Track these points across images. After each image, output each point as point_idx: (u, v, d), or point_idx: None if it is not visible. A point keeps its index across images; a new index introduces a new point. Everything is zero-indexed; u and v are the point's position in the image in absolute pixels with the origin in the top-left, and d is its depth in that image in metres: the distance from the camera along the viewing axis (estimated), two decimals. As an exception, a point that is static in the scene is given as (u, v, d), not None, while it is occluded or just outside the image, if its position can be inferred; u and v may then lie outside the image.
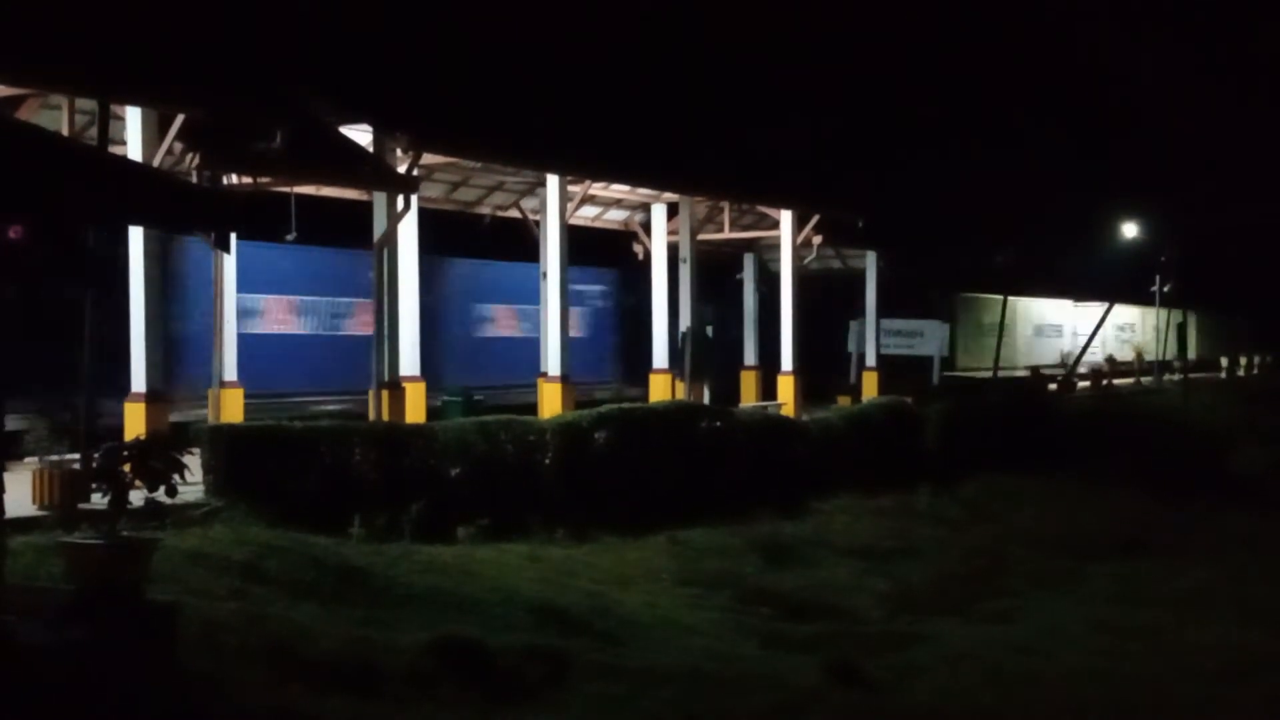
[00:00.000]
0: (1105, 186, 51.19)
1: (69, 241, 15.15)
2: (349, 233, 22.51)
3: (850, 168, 42.23)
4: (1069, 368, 45.50)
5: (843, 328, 33.55)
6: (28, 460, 14.58)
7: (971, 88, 49.34)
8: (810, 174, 34.50)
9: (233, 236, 16.33)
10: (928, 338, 33.56)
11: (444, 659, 10.20)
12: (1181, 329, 52.51)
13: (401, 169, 19.47)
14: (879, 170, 44.42)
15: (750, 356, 29.87)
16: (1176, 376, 50.34)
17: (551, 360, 22.82)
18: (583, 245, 26.15)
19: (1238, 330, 66.54)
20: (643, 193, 26.66)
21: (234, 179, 18.60)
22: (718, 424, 20.95)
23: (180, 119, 16.15)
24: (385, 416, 18.66)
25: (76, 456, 14.38)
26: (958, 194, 46.50)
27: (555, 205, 22.74)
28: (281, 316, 23.29)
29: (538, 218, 24.76)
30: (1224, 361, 58.68)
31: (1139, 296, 52.25)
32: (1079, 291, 52.56)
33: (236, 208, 13.29)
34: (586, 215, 27.20)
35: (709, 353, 26.18)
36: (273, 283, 22.89)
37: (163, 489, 8.26)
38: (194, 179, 16.73)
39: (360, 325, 23.22)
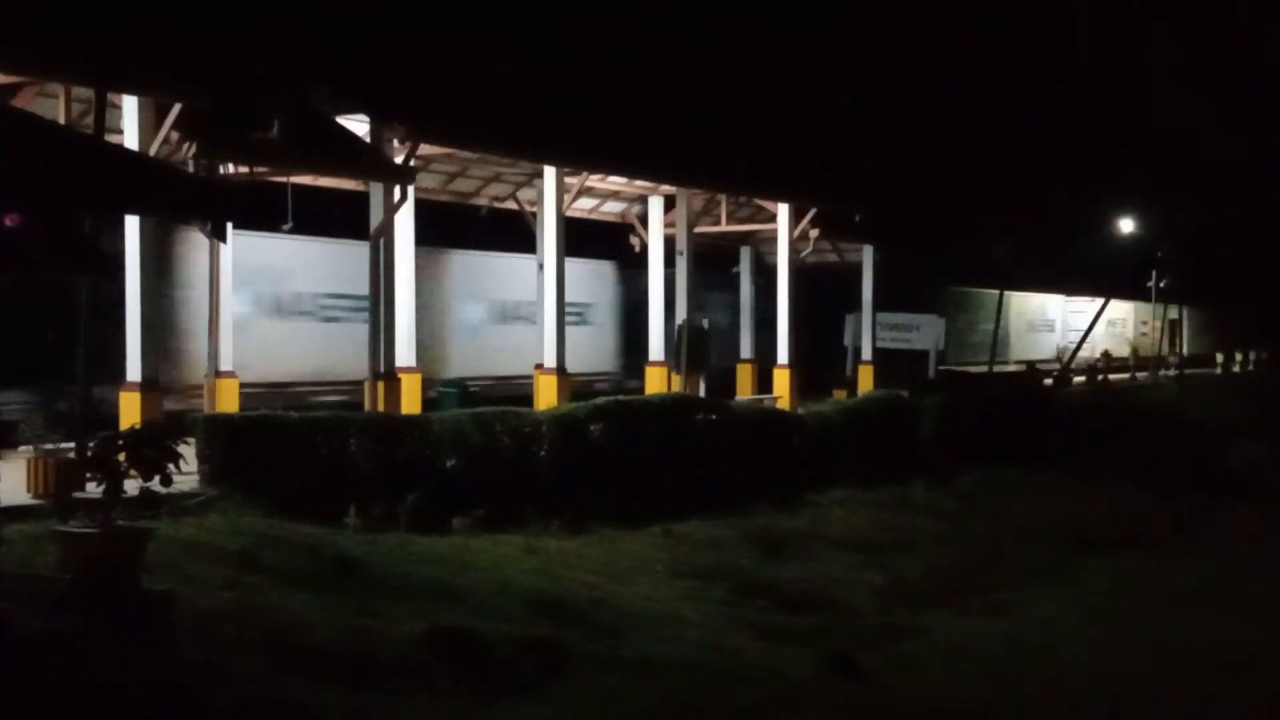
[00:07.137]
0: (1102, 181, 51.22)
1: (67, 230, 15.06)
2: (344, 224, 22.49)
3: (847, 161, 42.24)
4: (1064, 363, 45.52)
5: (839, 321, 33.54)
6: (22, 449, 14.55)
7: (969, 82, 49.37)
8: (807, 167, 34.50)
9: (229, 226, 16.22)
10: (924, 332, 33.58)
11: (440, 649, 10.18)
12: (1175, 324, 52.52)
13: (398, 159, 19.43)
14: (876, 164, 44.41)
15: (746, 349, 29.85)
16: (1172, 372, 50.35)
17: (547, 352, 22.81)
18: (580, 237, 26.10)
19: (1233, 325, 66.54)
20: (640, 185, 26.62)
21: (230, 168, 18.58)
22: (713, 417, 20.92)
23: (177, 108, 16.14)
24: (381, 407, 18.64)
25: (71, 445, 14.34)
26: (954, 188, 46.51)
27: (552, 197, 22.70)
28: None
29: (535, 209, 24.72)
30: (1219, 357, 58.71)
31: (1134, 292, 52.20)
32: (1074, 286, 52.55)
33: (234, 197, 13.23)
34: (583, 207, 27.15)
35: (705, 345, 26.15)
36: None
37: (158, 478, 8.22)
38: (191, 168, 16.70)
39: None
